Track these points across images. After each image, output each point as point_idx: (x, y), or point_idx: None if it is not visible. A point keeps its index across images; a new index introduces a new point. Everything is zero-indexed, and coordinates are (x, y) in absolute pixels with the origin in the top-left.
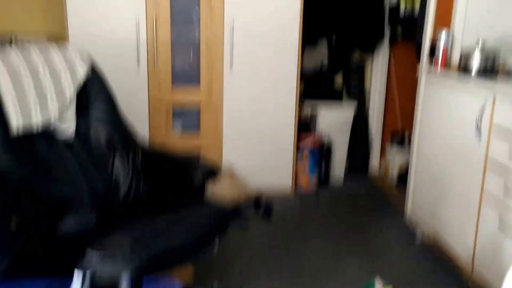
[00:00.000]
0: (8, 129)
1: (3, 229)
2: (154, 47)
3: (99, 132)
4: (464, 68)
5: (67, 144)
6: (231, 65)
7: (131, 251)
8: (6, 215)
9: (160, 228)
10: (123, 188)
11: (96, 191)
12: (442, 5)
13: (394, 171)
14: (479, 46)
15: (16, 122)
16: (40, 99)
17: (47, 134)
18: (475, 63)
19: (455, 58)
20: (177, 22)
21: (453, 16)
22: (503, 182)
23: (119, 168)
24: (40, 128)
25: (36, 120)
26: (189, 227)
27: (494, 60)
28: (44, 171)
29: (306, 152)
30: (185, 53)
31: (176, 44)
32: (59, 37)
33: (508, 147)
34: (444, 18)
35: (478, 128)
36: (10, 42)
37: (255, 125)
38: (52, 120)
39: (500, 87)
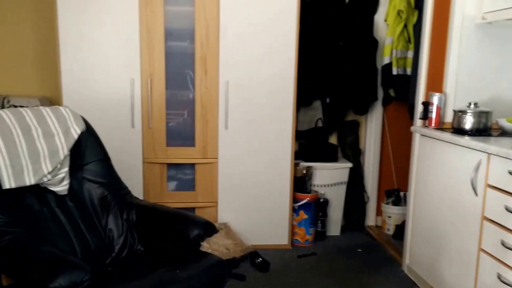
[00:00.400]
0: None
1: None
2: (148, 108)
3: (92, 191)
4: (457, 128)
5: (60, 203)
6: (226, 125)
7: None
8: None
9: (155, 286)
10: (117, 246)
11: (89, 250)
12: (434, 68)
13: (390, 228)
14: (471, 107)
15: (8, 184)
16: (33, 161)
17: (39, 192)
18: (468, 123)
19: (448, 118)
20: (172, 83)
21: (444, 78)
22: (499, 238)
23: (112, 226)
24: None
25: (29, 181)
26: (185, 283)
27: (486, 120)
28: (36, 229)
29: (302, 209)
30: (181, 113)
31: (171, 104)
32: (53, 99)
33: (503, 204)
34: (436, 80)
35: (474, 186)
36: (3, 105)
37: (250, 183)
38: (45, 180)
39: (493, 147)
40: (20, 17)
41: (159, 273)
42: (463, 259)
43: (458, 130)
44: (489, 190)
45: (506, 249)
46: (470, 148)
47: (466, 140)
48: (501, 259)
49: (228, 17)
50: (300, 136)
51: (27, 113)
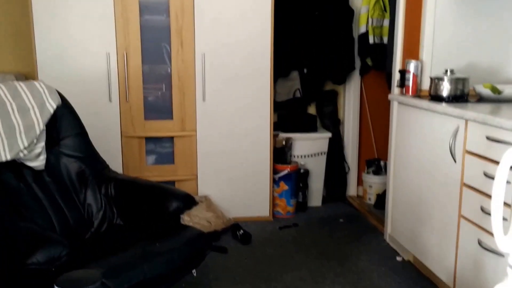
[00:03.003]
0: None
1: None
2: (125, 82)
3: (70, 165)
4: (434, 95)
5: (37, 178)
6: (204, 97)
7: (101, 286)
8: None
9: (134, 259)
10: (96, 221)
11: (67, 225)
12: (410, 36)
13: (371, 197)
14: (448, 74)
15: None
16: (8, 136)
17: (16, 167)
18: (445, 90)
19: (425, 86)
20: (148, 56)
21: (420, 46)
22: (479, 204)
23: (91, 201)
24: (8, 160)
25: (5, 156)
26: (165, 256)
27: (463, 87)
28: (13, 205)
29: (282, 181)
30: (157, 87)
31: (148, 78)
32: (28, 75)
33: (482, 170)
34: (413, 48)
35: (452, 153)
36: None
37: (230, 155)
38: (21, 155)
39: (470, 113)
40: None
41: (139, 246)
42: (444, 226)
43: (435, 97)
44: (468, 156)
45: (486, 215)
46: (448, 115)
47: (443, 107)
48: (481, 225)
49: None
50: (279, 107)
51: (1, 88)
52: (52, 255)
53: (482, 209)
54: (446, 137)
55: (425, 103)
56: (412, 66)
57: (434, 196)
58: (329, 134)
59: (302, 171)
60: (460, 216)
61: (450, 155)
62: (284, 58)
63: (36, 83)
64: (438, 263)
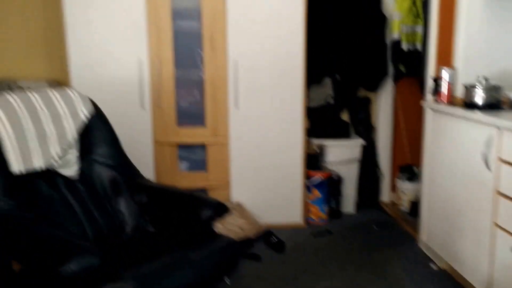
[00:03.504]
0: (9, 172)
1: (5, 273)
2: (158, 88)
3: (102, 173)
4: (468, 103)
5: (70, 186)
6: (237, 103)
7: None
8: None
9: (166, 268)
10: (128, 228)
11: (100, 233)
12: (443, 43)
13: (405, 204)
14: (481, 82)
15: (17, 168)
16: (42, 144)
17: (49, 175)
18: (479, 98)
19: (459, 93)
20: (180, 63)
21: (454, 53)
22: None
23: (123, 208)
24: (43, 169)
25: (38, 164)
26: (197, 264)
27: (497, 94)
28: (46, 213)
29: (315, 187)
30: (190, 93)
31: (180, 84)
32: (61, 81)
33: None
34: (446, 55)
35: (486, 161)
36: (10, 89)
37: (262, 162)
38: (54, 163)
39: (505, 121)
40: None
41: (171, 255)
42: (478, 235)
43: (469, 105)
44: (502, 165)
45: None
46: (481, 123)
47: (477, 114)
48: None
49: None
50: (311, 113)
51: (34, 96)
52: (85, 264)
53: None
54: (480, 145)
55: (459, 111)
56: (446, 74)
57: (468, 204)
58: (362, 141)
59: (335, 177)
60: (495, 224)
61: (484, 163)
62: (317, 65)
63: (69, 90)
64: (473, 272)
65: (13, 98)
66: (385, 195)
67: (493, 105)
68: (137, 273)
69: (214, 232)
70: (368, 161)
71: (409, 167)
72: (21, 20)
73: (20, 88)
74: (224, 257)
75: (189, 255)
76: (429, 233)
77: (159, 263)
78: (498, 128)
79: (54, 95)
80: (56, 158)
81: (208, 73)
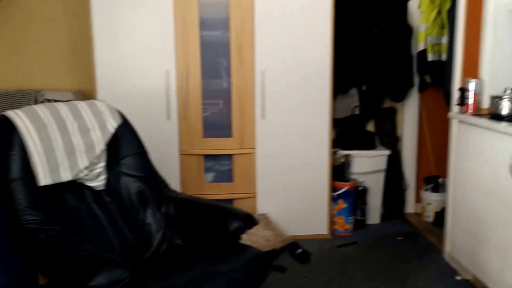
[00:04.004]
0: (35, 184)
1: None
2: (184, 99)
3: (129, 185)
4: (495, 114)
5: (97, 198)
6: (263, 114)
7: None
8: (33, 272)
9: (195, 281)
10: (156, 240)
11: (127, 245)
12: (469, 54)
13: (430, 215)
14: (508, 93)
15: (44, 180)
16: (69, 156)
17: (76, 187)
18: (506, 109)
19: (485, 104)
20: (207, 73)
21: (480, 64)
22: None
23: (151, 220)
24: (69, 180)
25: (65, 177)
26: (226, 277)
27: None
28: (73, 226)
29: (341, 198)
30: (216, 104)
31: (207, 94)
32: (87, 92)
33: None
34: (472, 66)
35: None
36: (36, 100)
37: (288, 173)
38: (82, 175)
39: None
40: (53, 10)
41: (199, 267)
42: (505, 246)
43: (495, 116)
44: None
45: None
46: (508, 134)
47: (503, 126)
48: None
49: (263, 5)
50: (337, 124)
51: (62, 108)
52: (114, 277)
53: None
54: (506, 156)
55: (485, 122)
56: (472, 85)
57: (494, 215)
58: (387, 152)
59: (360, 188)
60: None
61: (510, 174)
62: (343, 75)
63: (97, 102)
64: (499, 283)
65: (41, 110)
66: (410, 206)
67: None
68: (165, 286)
69: (242, 244)
70: (393, 171)
71: (434, 178)
72: (48, 31)
73: (47, 100)
74: (253, 270)
75: (217, 268)
76: (454, 244)
77: (188, 276)
78: None
79: (83, 107)
80: (84, 170)
81: (235, 83)
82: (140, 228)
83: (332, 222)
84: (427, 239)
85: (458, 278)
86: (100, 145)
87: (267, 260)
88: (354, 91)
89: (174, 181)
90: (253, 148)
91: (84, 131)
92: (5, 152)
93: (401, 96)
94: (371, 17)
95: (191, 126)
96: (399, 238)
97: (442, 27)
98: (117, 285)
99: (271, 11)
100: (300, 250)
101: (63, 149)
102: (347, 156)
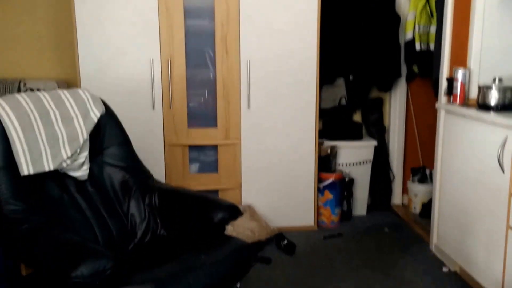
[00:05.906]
0: (18, 174)
1: (12, 277)
2: (169, 89)
3: (113, 175)
4: (482, 104)
5: (80, 188)
6: (249, 105)
7: None
8: (15, 262)
9: (179, 271)
10: (139, 232)
11: (110, 236)
12: (457, 43)
13: (416, 206)
14: (496, 83)
15: (26, 170)
16: (52, 146)
17: (59, 177)
18: (494, 99)
19: (473, 94)
20: (192, 63)
21: (468, 54)
22: None
23: (134, 211)
24: (51, 170)
25: (48, 166)
26: (210, 268)
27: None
28: (56, 216)
29: (327, 189)
30: (201, 94)
31: (191, 84)
32: (70, 81)
33: None
34: (460, 56)
35: (500, 163)
36: (19, 89)
37: (274, 164)
38: (65, 165)
39: None
40: None
41: (183, 258)
42: (491, 237)
43: (483, 106)
44: None
45: None
46: (496, 125)
47: (491, 116)
48: None
49: None
50: (324, 114)
51: (45, 96)
52: (97, 268)
53: None
54: (494, 147)
55: (473, 112)
56: (460, 74)
57: (481, 206)
58: (374, 142)
59: (347, 179)
60: (509, 227)
61: (498, 165)
62: (330, 65)
63: (80, 91)
64: (486, 275)
65: (23, 99)
66: (397, 197)
67: (508, 106)
68: (149, 277)
69: (226, 235)
70: (380, 162)
71: (421, 169)
72: (30, 19)
73: (30, 89)
74: (237, 261)
75: (201, 259)
76: (441, 236)
77: (172, 267)
78: None
79: (65, 95)
80: (67, 160)
81: (220, 74)
82: (123, 219)
83: (318, 214)
84: (414, 231)
85: (445, 269)
86: (83, 134)
87: (252, 251)
88: (341, 81)
89: (158, 172)
90: (238, 139)
91: (67, 120)
92: None
93: (388, 86)
94: (358, 5)
95: (176, 116)
96: (385, 230)
97: (431, 16)
98: (100, 276)
99: (256, 0)
100: (285, 242)
101: (45, 138)
102: (333, 146)
